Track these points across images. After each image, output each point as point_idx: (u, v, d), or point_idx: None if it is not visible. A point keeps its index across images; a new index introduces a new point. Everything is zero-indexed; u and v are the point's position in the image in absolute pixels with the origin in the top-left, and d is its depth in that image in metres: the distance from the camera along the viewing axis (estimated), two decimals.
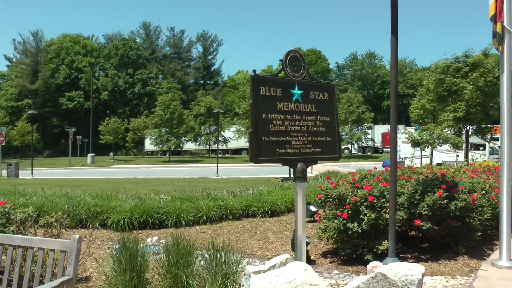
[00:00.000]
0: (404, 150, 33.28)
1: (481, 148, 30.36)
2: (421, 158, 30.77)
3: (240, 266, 5.46)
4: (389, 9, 6.42)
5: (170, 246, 5.30)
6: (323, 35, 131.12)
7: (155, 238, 9.55)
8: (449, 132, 22.48)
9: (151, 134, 51.45)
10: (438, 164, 25.13)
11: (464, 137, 20.58)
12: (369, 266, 6.73)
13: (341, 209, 7.09)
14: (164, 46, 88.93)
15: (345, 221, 7.00)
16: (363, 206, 6.97)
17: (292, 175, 25.07)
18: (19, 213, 5.89)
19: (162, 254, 5.40)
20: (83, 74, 72.30)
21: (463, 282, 6.33)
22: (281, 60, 5.09)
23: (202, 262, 5.48)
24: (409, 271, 4.90)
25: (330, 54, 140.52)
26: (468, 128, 19.69)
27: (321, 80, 5.43)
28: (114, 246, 8.84)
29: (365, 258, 7.04)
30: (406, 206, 7.19)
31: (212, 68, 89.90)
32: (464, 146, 22.43)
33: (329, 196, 7.38)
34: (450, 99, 19.32)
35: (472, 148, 26.28)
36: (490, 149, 33.09)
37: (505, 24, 6.86)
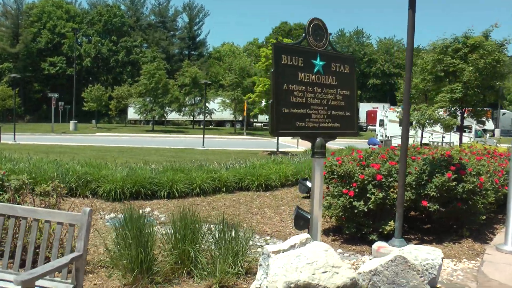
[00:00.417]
0: (391, 129, 33.31)
1: (467, 131, 30.51)
2: (408, 138, 30.76)
3: (249, 243, 5.23)
4: None
5: (177, 220, 5.02)
6: (311, 10, 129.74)
7: (148, 209, 9.30)
8: (441, 113, 22.41)
9: (135, 103, 50.62)
10: (425, 144, 25.16)
11: (459, 119, 20.51)
12: (375, 246, 6.58)
13: (348, 187, 6.88)
14: (149, 15, 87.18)
15: (351, 199, 6.80)
16: (370, 184, 6.77)
17: (278, 150, 24.84)
18: (13, 180, 5.55)
19: (168, 229, 5.13)
20: (66, 39, 70.44)
21: (471, 266, 6.20)
22: (303, 28, 4.78)
23: (209, 238, 5.23)
24: (428, 255, 4.73)
25: None
26: (463, 110, 19.58)
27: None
28: (105, 217, 8.59)
29: (370, 238, 6.88)
30: (413, 186, 7.02)
31: (198, 39, 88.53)
32: (455, 128, 22.40)
33: (334, 173, 7.16)
34: (447, 79, 19.15)
35: (458, 131, 26.36)
36: (475, 132, 33.31)
37: None
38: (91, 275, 5.04)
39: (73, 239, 3.56)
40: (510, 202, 6.92)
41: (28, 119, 66.00)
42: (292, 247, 4.08)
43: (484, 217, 7.56)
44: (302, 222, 7.26)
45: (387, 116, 34.29)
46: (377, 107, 53.86)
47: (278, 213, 9.09)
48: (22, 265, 3.87)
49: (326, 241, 7.21)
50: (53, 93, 43.27)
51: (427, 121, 21.95)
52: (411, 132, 29.81)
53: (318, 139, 4.84)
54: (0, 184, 5.44)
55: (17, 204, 5.17)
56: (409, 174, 7.08)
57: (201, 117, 55.43)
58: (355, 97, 5.40)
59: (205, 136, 28.93)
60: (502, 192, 8.45)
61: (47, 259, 3.47)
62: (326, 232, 7.65)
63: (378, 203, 6.71)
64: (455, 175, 6.83)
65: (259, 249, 6.16)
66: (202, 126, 53.28)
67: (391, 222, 6.73)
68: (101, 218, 8.46)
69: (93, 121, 53.21)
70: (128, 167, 11.43)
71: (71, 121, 46.40)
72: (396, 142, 30.40)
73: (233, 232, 5.01)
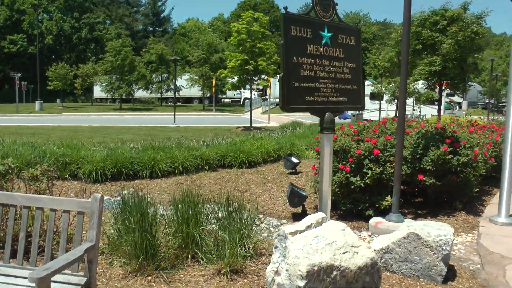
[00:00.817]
0: None
1: (435, 103, 30.86)
2: (379, 111, 31.06)
3: (254, 224, 5.04)
4: None
5: (179, 202, 4.78)
6: None
7: (132, 190, 8.98)
8: (421, 86, 22.48)
9: (101, 81, 49.29)
10: (396, 117, 25.27)
11: (437, 91, 20.61)
12: (372, 221, 6.50)
13: (344, 162, 6.74)
14: None
15: (348, 175, 6.67)
16: (367, 159, 6.65)
17: (252, 125, 24.56)
18: None
19: (171, 211, 4.88)
20: (26, 16, 67.79)
21: (469, 239, 6.19)
22: None
23: (211, 219, 5.02)
24: (440, 231, 4.64)
25: (283, 3, 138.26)
26: (442, 82, 19.67)
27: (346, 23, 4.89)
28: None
29: (366, 213, 6.79)
30: (409, 160, 6.94)
31: (162, 15, 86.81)
32: (434, 100, 22.46)
33: None
34: (426, 52, 19.15)
35: (428, 103, 26.59)
36: (444, 104, 33.80)
37: None
38: None
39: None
40: (504, 174, 6.93)
41: None
42: (309, 227, 3.92)
43: (477, 189, 7.57)
44: (296, 199, 7.13)
45: None
46: None
47: (266, 190, 8.93)
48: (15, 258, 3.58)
49: None
50: (16, 73, 41.60)
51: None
52: (384, 106, 30.04)
53: (327, 114, 4.64)
54: None
55: (6, 191, 4.84)
56: (405, 148, 6.99)
57: (168, 94, 54.52)
58: (361, 70, 5.22)
59: (174, 113, 28.54)
60: (490, 163, 8.50)
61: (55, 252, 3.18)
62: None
63: (375, 178, 6.60)
64: (451, 148, 6.78)
65: (256, 228, 5.99)
66: (170, 104, 52.55)
67: (388, 197, 6.64)
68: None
69: (58, 101, 51.70)
70: (107, 147, 11.08)
71: (36, 101, 44.89)
72: (368, 115, 30.60)
73: (239, 212, 4.81)
